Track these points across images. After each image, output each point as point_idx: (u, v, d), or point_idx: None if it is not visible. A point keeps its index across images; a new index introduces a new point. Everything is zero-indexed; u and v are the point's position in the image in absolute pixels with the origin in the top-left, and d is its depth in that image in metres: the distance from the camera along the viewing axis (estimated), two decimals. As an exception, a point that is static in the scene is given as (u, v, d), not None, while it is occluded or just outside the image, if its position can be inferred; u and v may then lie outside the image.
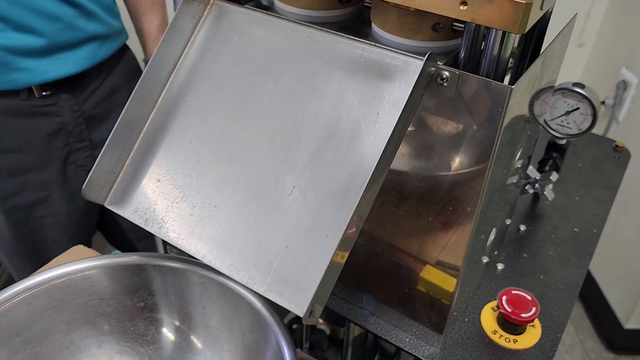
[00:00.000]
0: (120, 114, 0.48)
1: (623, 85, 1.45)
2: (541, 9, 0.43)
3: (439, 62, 0.43)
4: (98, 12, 0.91)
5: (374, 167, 0.40)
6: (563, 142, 0.76)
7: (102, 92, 0.97)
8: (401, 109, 0.41)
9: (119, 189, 0.50)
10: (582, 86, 0.70)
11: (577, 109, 0.70)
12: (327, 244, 0.42)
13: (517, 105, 0.45)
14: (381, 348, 0.91)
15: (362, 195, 0.40)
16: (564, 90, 0.70)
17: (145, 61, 1.09)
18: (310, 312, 0.39)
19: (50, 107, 0.92)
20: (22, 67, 0.85)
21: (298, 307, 0.41)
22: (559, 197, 0.80)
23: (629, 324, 1.48)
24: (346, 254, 0.42)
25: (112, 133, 0.48)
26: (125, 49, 1.03)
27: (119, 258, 0.55)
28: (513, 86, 0.41)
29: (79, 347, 0.54)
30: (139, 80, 0.49)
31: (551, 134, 0.73)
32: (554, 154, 0.77)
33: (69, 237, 1.03)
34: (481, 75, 0.43)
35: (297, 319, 0.92)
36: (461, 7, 0.41)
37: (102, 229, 1.20)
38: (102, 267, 0.54)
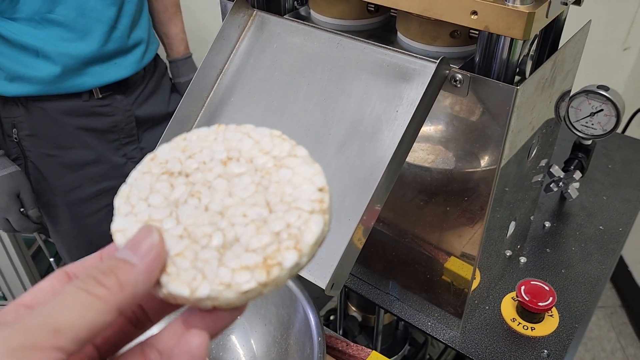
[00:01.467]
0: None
1: (668, 90, 1.43)
2: (547, 17, 0.47)
3: (455, 66, 0.48)
4: (141, 19, 1.03)
5: (389, 159, 0.45)
6: (588, 142, 0.79)
7: (146, 92, 1.09)
8: (416, 107, 0.46)
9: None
10: (606, 88, 0.72)
11: (602, 110, 0.73)
12: (349, 227, 0.48)
13: (526, 104, 0.50)
14: (411, 338, 0.95)
15: (378, 184, 0.45)
16: (588, 92, 0.73)
17: (171, 61, 1.20)
18: (332, 284, 0.45)
19: (106, 108, 1.03)
20: (87, 72, 0.96)
21: (322, 280, 0.47)
22: (585, 196, 0.83)
23: (673, 331, 1.46)
24: (361, 242, 0.47)
25: (167, 128, 0.56)
26: (157, 55, 1.15)
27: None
28: (519, 87, 0.45)
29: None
30: (191, 82, 0.56)
31: (576, 134, 0.76)
32: (579, 154, 0.80)
33: None
34: (492, 78, 0.48)
35: (333, 310, 0.98)
36: (472, 17, 0.46)
37: None
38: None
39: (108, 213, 1.11)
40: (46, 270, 1.48)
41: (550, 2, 0.46)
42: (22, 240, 1.35)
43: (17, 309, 0.25)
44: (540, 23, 0.46)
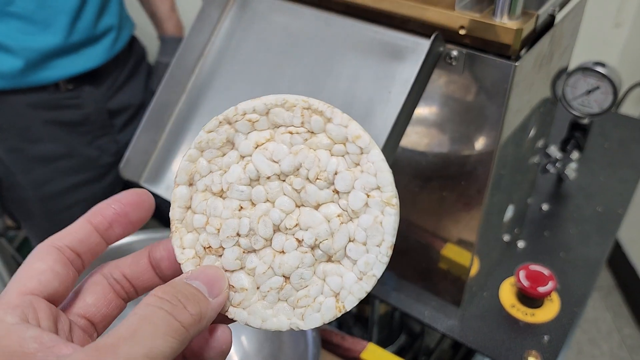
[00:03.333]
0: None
1: (661, 67, 1.41)
2: (535, 31, 0.45)
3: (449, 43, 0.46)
4: (110, 5, 0.97)
5: (384, 142, 0.43)
6: (585, 121, 0.77)
7: (120, 81, 1.03)
8: (410, 87, 0.44)
9: (153, 168, 0.54)
10: (602, 65, 0.70)
11: (598, 88, 0.71)
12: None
13: (524, 82, 0.47)
14: (407, 329, 0.93)
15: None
16: (584, 69, 0.71)
17: (160, 38, 1.14)
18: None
19: (75, 100, 0.97)
20: (52, 65, 0.91)
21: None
22: (583, 177, 0.81)
23: (668, 310, 1.46)
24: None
25: (146, 116, 0.53)
26: (134, 38, 1.09)
27: (155, 233, 0.59)
28: (517, 63, 0.43)
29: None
30: (170, 67, 0.53)
31: (572, 113, 0.74)
32: (576, 133, 0.77)
33: None
34: (489, 54, 0.45)
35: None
36: (460, 31, 0.44)
37: None
38: (136, 242, 0.59)
39: (84, 208, 1.07)
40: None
41: (537, 16, 0.44)
42: (6, 237, 1.31)
43: (30, 301, 0.23)
44: (529, 36, 0.44)
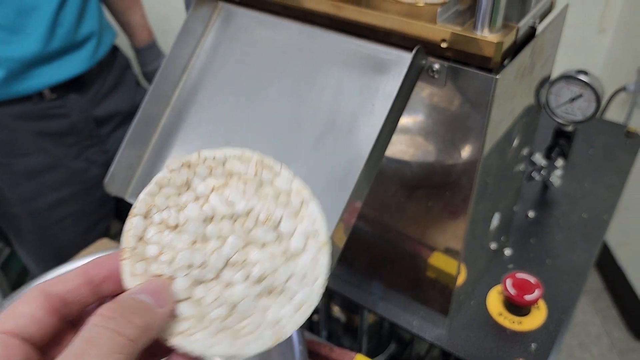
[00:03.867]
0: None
1: (644, 72, 1.43)
2: (516, 43, 0.46)
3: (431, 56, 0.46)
4: (90, 12, 0.97)
5: (367, 155, 0.43)
6: (569, 128, 0.77)
7: (104, 89, 1.03)
8: (393, 100, 0.44)
9: (139, 182, 0.54)
10: (585, 73, 0.71)
11: (581, 95, 0.72)
12: (328, 228, 0.45)
13: (506, 93, 0.48)
14: (397, 337, 0.93)
15: (357, 181, 0.43)
16: (567, 77, 0.71)
17: (136, 49, 1.15)
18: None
19: (60, 109, 0.97)
20: (33, 74, 0.90)
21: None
22: (568, 184, 0.81)
23: (656, 313, 1.47)
24: (342, 241, 0.45)
25: (130, 130, 0.52)
26: (116, 47, 1.09)
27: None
28: (498, 76, 0.43)
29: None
30: (154, 81, 0.53)
31: (556, 121, 0.75)
32: (560, 140, 0.78)
33: (89, 232, 1.09)
34: (471, 67, 0.46)
35: (316, 310, 0.96)
36: (442, 44, 0.44)
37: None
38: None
39: (73, 221, 1.06)
40: (16, 281, 1.43)
41: (517, 29, 0.45)
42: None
43: (2, 338, 0.24)
44: (509, 49, 0.45)
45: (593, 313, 1.61)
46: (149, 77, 1.14)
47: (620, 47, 1.61)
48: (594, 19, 1.60)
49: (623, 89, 1.50)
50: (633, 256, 1.58)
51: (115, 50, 1.08)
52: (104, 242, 0.68)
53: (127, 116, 1.07)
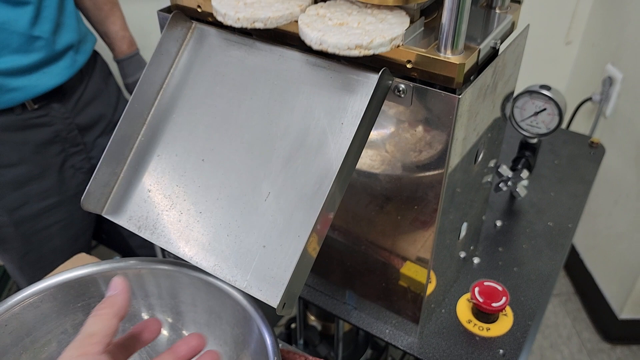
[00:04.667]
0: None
1: (609, 81, 1.48)
2: (478, 64, 0.48)
3: (397, 77, 0.48)
4: (68, 22, 0.97)
5: (336, 171, 0.45)
6: (534, 141, 0.80)
7: (86, 97, 1.04)
8: (360, 119, 0.46)
9: (115, 199, 0.55)
10: (548, 88, 0.74)
11: (545, 109, 0.75)
12: (299, 243, 0.47)
13: (469, 112, 0.50)
14: (372, 343, 0.95)
15: (327, 197, 0.44)
16: (531, 92, 0.75)
17: (116, 61, 1.15)
18: (283, 304, 0.44)
19: (43, 118, 0.98)
20: (14, 87, 0.91)
21: (273, 300, 0.46)
22: (534, 193, 0.84)
23: (623, 314, 1.52)
24: (316, 251, 0.47)
25: (106, 149, 0.53)
26: (96, 53, 1.10)
27: (116, 263, 0.59)
28: (460, 96, 0.46)
29: (83, 345, 0.59)
30: (130, 100, 0.54)
31: (522, 134, 0.78)
32: (526, 152, 0.81)
33: (74, 240, 1.09)
34: (435, 87, 0.48)
35: (293, 319, 0.97)
36: (407, 65, 0.47)
37: (104, 237, 1.26)
38: (102, 272, 0.59)
39: (60, 229, 1.07)
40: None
41: (479, 50, 0.47)
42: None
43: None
44: (472, 69, 0.47)
45: (564, 315, 1.65)
46: (130, 89, 1.14)
47: (586, 59, 1.66)
48: (560, 31, 1.65)
49: (589, 99, 1.55)
50: (600, 261, 1.63)
51: (95, 55, 1.09)
52: (82, 256, 0.68)
53: (111, 121, 1.08)
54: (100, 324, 0.41)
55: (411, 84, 0.47)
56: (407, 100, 0.48)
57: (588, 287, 1.67)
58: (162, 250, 1.13)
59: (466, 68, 0.46)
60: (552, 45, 1.66)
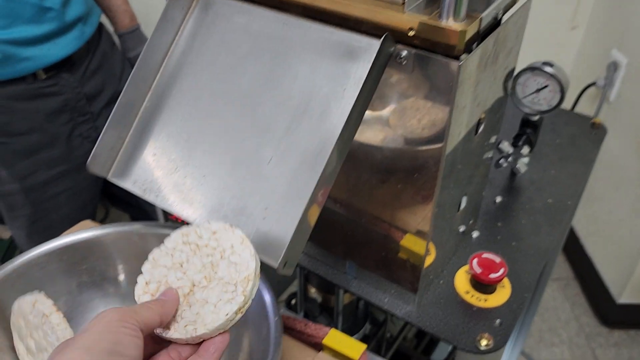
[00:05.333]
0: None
1: (614, 66, 1.48)
2: (479, 33, 0.48)
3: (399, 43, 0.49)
4: None
5: (338, 135, 0.45)
6: (536, 118, 0.81)
7: (93, 67, 1.07)
8: (362, 85, 0.46)
9: (120, 163, 0.56)
10: (550, 65, 0.74)
11: (547, 86, 0.75)
12: (300, 205, 0.48)
13: (470, 80, 0.50)
14: (372, 318, 0.97)
15: (329, 159, 0.45)
16: (533, 69, 0.75)
17: (118, 34, 1.18)
18: (284, 263, 0.45)
19: (53, 88, 1.01)
20: (26, 57, 0.94)
21: (274, 260, 0.47)
22: (535, 171, 0.85)
23: (622, 299, 1.53)
24: (316, 213, 0.48)
25: (112, 113, 0.54)
26: (101, 25, 1.13)
27: (121, 227, 0.61)
28: (461, 63, 0.46)
29: (88, 307, 0.60)
30: (135, 66, 0.55)
31: (523, 111, 0.78)
32: (527, 129, 0.82)
33: (81, 209, 1.13)
34: (437, 53, 0.48)
35: (294, 294, 0.99)
36: (409, 33, 0.47)
37: (114, 201, 1.30)
38: (106, 235, 0.60)
39: (68, 197, 1.10)
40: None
41: (481, 19, 0.47)
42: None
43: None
44: (473, 37, 0.47)
45: (563, 299, 1.66)
46: (132, 62, 1.17)
47: (591, 44, 1.66)
48: (566, 16, 1.64)
49: (593, 84, 1.55)
50: (600, 246, 1.64)
51: (100, 27, 1.12)
52: (86, 222, 0.70)
53: (116, 91, 1.11)
54: (145, 312, 0.41)
55: (413, 50, 0.48)
56: (409, 68, 0.49)
57: (587, 271, 1.68)
58: (165, 213, 1.15)
59: (467, 36, 0.47)
60: (557, 30, 1.66)
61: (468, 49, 0.48)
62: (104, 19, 1.16)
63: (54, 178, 1.07)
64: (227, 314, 0.43)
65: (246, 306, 0.44)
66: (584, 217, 1.69)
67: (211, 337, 0.44)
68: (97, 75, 1.08)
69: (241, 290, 0.44)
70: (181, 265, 0.47)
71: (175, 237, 0.48)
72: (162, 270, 0.47)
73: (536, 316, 1.53)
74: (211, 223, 0.48)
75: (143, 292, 0.46)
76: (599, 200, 1.59)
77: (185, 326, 0.43)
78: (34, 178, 1.05)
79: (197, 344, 0.44)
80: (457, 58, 0.47)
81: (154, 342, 0.45)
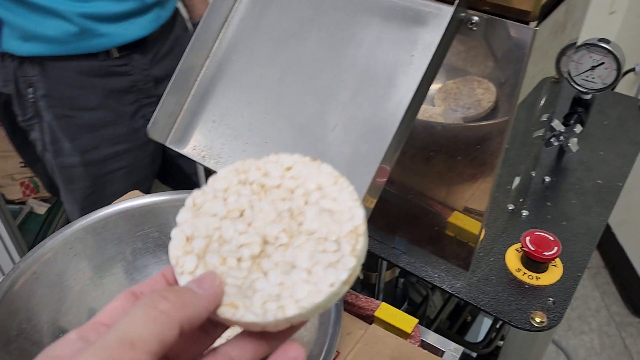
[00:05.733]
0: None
1: (654, 52, 1.45)
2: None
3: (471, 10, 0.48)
4: None
5: (407, 104, 0.45)
6: (588, 97, 0.79)
7: (164, 51, 1.09)
8: (433, 51, 0.46)
9: (179, 129, 0.56)
10: (607, 41, 0.73)
11: (602, 63, 0.73)
12: (366, 173, 0.47)
13: (540, 49, 0.49)
14: (410, 297, 0.96)
15: (397, 129, 0.45)
16: (589, 45, 0.73)
17: (194, 23, 1.20)
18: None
19: (124, 67, 1.03)
20: (102, 33, 0.95)
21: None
22: (583, 151, 0.84)
23: (655, 289, 1.51)
24: (382, 183, 0.47)
25: (172, 79, 0.54)
26: (177, 10, 1.14)
27: (175, 195, 0.61)
28: (536, 28, 0.45)
29: (142, 273, 0.61)
30: (196, 31, 0.54)
31: (576, 89, 0.77)
32: (579, 108, 0.80)
33: (135, 187, 1.14)
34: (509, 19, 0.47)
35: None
36: None
37: (166, 181, 1.31)
38: (161, 202, 0.60)
39: (124, 175, 1.12)
40: (33, 242, 1.46)
41: None
42: (9, 211, 1.32)
43: (96, 327, 0.27)
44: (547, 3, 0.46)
45: (593, 288, 1.65)
46: None
47: (629, 29, 1.62)
48: (604, 1, 1.60)
49: (632, 70, 1.52)
50: (633, 235, 1.62)
51: (176, 13, 1.13)
52: (135, 192, 0.70)
53: None
54: (149, 327, 0.24)
55: (485, 15, 0.47)
56: (478, 34, 0.48)
57: (618, 261, 1.66)
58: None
59: (543, 0, 0.45)
60: (596, 15, 1.62)
61: (542, 16, 0.47)
62: (179, 5, 1.17)
63: (114, 155, 1.09)
64: (331, 284, 0.29)
65: (356, 273, 0.30)
66: (616, 206, 1.66)
67: (289, 343, 0.29)
68: (167, 60, 1.09)
69: (349, 250, 0.30)
70: (241, 214, 0.31)
71: (227, 175, 0.33)
72: (209, 220, 0.31)
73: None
74: (280, 155, 0.34)
75: (184, 251, 0.31)
76: (632, 189, 1.57)
77: (264, 303, 0.28)
78: (95, 153, 1.07)
79: (269, 336, 0.29)
80: (530, 24, 0.46)
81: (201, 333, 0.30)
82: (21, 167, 1.47)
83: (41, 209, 1.46)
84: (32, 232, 1.43)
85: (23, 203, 1.49)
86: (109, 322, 0.27)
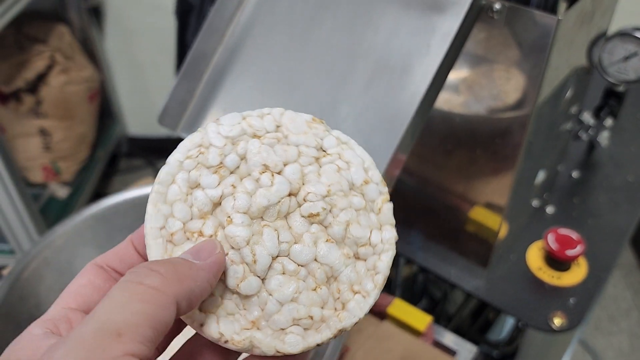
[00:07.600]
0: None
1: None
2: None
3: (490, -4, 0.45)
4: None
5: (422, 95, 0.43)
6: (621, 88, 0.75)
7: None
8: (451, 40, 0.43)
9: (190, 117, 0.55)
10: (642, 31, 0.69)
11: (636, 54, 0.70)
12: (378, 165, 0.46)
13: (566, 39, 0.47)
14: (429, 293, 0.94)
15: (411, 120, 0.43)
16: (623, 35, 0.69)
17: None
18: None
19: None
20: None
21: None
22: (614, 146, 0.80)
23: (689, 290, 1.45)
24: (394, 177, 0.45)
25: (184, 66, 0.53)
26: None
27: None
28: (560, 17, 0.42)
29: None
30: (208, 17, 0.53)
31: (608, 80, 0.73)
32: (610, 100, 0.76)
33: None
34: (532, 7, 0.45)
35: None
36: None
37: None
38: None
39: None
40: (53, 223, 1.48)
41: None
42: (30, 195, 1.34)
43: (66, 314, 0.23)
44: None
45: (624, 287, 1.59)
46: None
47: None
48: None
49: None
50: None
51: None
52: (147, 179, 0.70)
53: None
54: (137, 309, 0.20)
55: (506, 3, 0.44)
56: (500, 22, 0.46)
57: (652, 260, 1.60)
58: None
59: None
60: (630, 1, 1.56)
61: (567, 4, 0.45)
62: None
63: None
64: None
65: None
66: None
67: None
68: None
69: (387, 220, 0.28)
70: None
71: (230, 121, 0.28)
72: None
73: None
74: (265, 110, 0.29)
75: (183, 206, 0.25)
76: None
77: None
78: None
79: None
80: (554, 13, 0.44)
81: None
82: (42, 150, 1.47)
83: (62, 191, 1.48)
84: (53, 216, 1.44)
85: (44, 186, 1.50)
86: (78, 305, 0.23)
